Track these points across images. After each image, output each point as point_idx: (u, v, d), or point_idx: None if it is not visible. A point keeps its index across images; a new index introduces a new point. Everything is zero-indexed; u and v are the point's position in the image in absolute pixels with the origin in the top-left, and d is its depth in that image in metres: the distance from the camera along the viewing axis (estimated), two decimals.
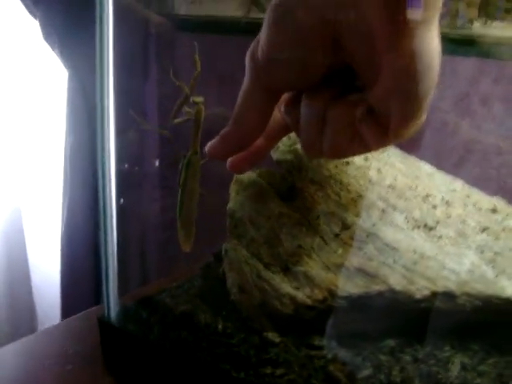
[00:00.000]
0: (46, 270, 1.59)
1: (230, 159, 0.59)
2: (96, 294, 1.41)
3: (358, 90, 0.48)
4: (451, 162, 0.98)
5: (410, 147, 0.95)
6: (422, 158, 0.79)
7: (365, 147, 0.51)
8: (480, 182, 0.93)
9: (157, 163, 1.30)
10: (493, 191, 0.78)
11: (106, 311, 0.67)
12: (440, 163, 0.79)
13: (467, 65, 0.96)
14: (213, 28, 1.32)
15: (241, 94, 0.51)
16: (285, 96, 0.53)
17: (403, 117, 0.46)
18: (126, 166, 1.09)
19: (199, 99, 0.67)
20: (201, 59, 0.68)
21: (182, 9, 1.39)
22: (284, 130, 0.58)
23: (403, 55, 0.42)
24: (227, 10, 1.30)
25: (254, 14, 1.23)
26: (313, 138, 0.50)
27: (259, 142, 0.57)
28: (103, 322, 0.67)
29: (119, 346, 0.67)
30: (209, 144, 0.56)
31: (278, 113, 0.55)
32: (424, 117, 0.47)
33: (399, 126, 0.46)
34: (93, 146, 1.43)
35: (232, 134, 0.54)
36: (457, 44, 0.94)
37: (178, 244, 0.73)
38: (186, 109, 0.68)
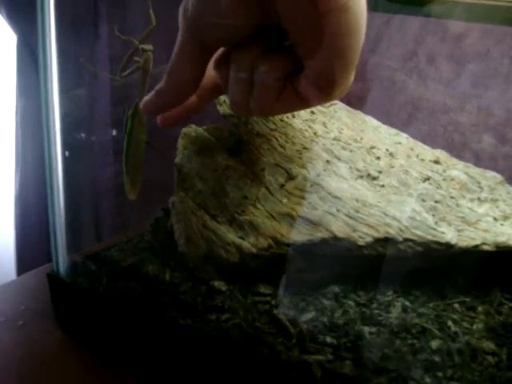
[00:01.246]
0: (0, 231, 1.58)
1: (160, 115, 0.59)
2: (50, 253, 1.41)
3: (287, 49, 0.49)
4: (400, 119, 1.00)
5: (359, 104, 0.96)
6: (370, 114, 0.80)
7: (292, 105, 0.52)
8: (428, 138, 0.95)
9: (108, 127, 1.30)
10: (440, 147, 0.79)
11: (55, 267, 0.67)
12: (389, 120, 0.81)
13: (415, 24, 0.97)
14: None
15: (175, 50, 0.51)
16: (217, 54, 0.53)
17: (330, 74, 0.46)
18: (76, 128, 1.08)
19: (148, 47, 0.67)
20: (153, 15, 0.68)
21: None
22: (217, 89, 0.58)
23: (331, 10, 0.42)
24: None
25: None
26: (240, 94, 0.51)
27: (192, 99, 0.57)
28: (52, 277, 0.67)
29: (69, 300, 0.67)
30: (143, 99, 0.56)
31: (212, 72, 0.55)
32: (351, 78, 0.48)
33: (326, 85, 0.47)
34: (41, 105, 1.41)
35: (165, 89, 0.54)
36: (404, 3, 0.95)
37: (128, 202, 0.73)
38: (135, 59, 0.68)
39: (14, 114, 1.40)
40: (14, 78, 1.42)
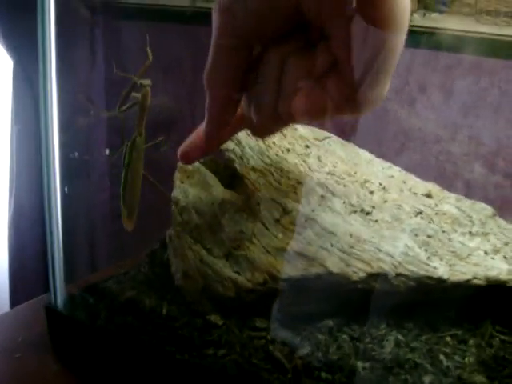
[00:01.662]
0: None
1: (182, 149, 0.55)
2: (45, 283, 1.41)
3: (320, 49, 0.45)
4: (392, 149, 1.02)
5: (352, 133, 0.98)
6: (363, 144, 0.81)
7: (319, 112, 0.47)
8: (420, 168, 0.97)
9: (105, 151, 1.31)
10: (432, 178, 0.81)
11: (53, 299, 0.68)
12: (381, 150, 0.82)
13: (407, 55, 0.99)
14: (159, 16, 1.32)
15: (209, 63, 0.47)
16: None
17: (368, 79, 0.43)
18: (74, 154, 1.09)
19: (147, 82, 0.68)
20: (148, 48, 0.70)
21: None
22: (240, 122, 0.55)
23: (377, 8, 0.40)
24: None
25: (200, 4, 1.24)
26: (269, 96, 0.47)
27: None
28: (50, 310, 0.68)
29: (66, 332, 0.68)
30: (181, 147, 0.54)
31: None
32: (385, 91, 0.45)
33: (363, 95, 0.44)
34: (39, 133, 1.42)
35: (212, 119, 0.50)
36: None
37: (124, 232, 0.74)
38: (133, 94, 0.70)
39: (9, 140, 1.41)
40: (10, 103, 1.44)
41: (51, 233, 0.65)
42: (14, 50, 1.37)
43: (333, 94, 0.45)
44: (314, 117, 0.49)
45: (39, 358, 0.69)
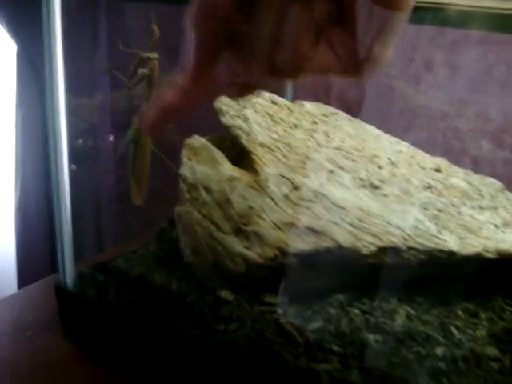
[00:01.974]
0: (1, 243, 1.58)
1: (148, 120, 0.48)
2: (52, 265, 1.42)
3: None
4: (399, 126, 1.01)
5: (359, 111, 0.97)
6: (370, 121, 0.81)
7: (323, 66, 0.42)
8: (427, 145, 0.97)
9: (110, 136, 1.31)
10: (439, 154, 0.80)
11: (62, 278, 0.68)
12: (388, 127, 0.82)
13: (413, 31, 0.98)
14: None
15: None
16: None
17: (376, 37, 0.40)
18: (80, 138, 1.09)
19: (154, 56, 0.68)
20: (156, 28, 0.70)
21: None
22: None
23: None
24: None
25: None
26: (266, 46, 0.41)
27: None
28: (60, 289, 0.68)
29: (77, 311, 0.68)
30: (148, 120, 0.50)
31: None
32: (388, 56, 0.41)
33: (368, 49, 0.41)
34: (44, 118, 1.42)
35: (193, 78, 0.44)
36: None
37: (131, 212, 0.74)
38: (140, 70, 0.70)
39: (14, 125, 1.41)
40: (14, 88, 1.43)
41: (59, 212, 0.65)
42: (18, 34, 1.37)
43: (337, 48, 0.41)
44: (316, 70, 0.43)
45: (50, 337, 0.69)
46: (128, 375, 0.62)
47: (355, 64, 0.42)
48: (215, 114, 0.72)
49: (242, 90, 0.46)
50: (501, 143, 0.95)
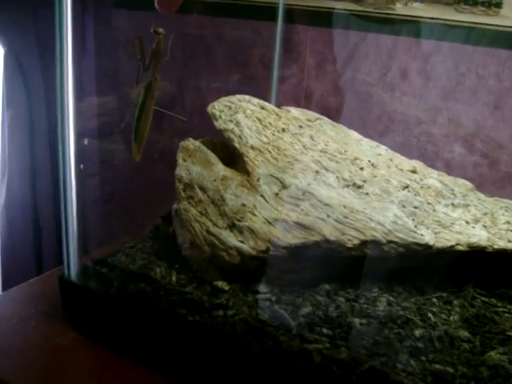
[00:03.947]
0: None
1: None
2: (37, 266, 1.46)
3: None
4: (377, 131, 1.07)
5: (338, 117, 1.03)
6: (350, 127, 0.87)
7: None
8: (403, 149, 1.03)
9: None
10: (415, 157, 0.86)
11: (66, 271, 0.72)
12: (367, 132, 0.88)
13: (390, 42, 1.04)
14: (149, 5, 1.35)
15: None
16: None
17: None
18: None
19: (160, 30, 0.74)
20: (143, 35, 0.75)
21: None
22: None
23: None
24: None
25: None
26: None
27: None
28: (64, 281, 0.73)
29: (81, 302, 0.73)
30: None
31: None
32: None
33: None
34: (31, 119, 1.45)
35: None
36: (381, 23, 1.02)
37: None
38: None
39: (0, 126, 1.43)
40: (1, 90, 1.46)
41: (65, 207, 0.69)
42: (6, 37, 1.40)
43: None
44: None
45: (54, 326, 0.73)
46: (132, 358, 0.67)
47: None
48: (207, 119, 0.78)
49: None
50: (471, 148, 1.02)
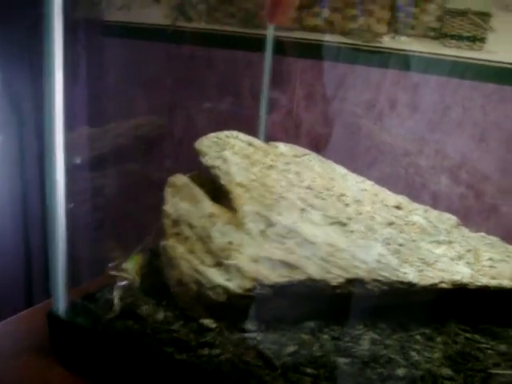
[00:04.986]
0: None
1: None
2: (26, 296, 1.46)
3: None
4: (366, 163, 1.08)
5: (327, 148, 1.04)
6: (339, 157, 0.88)
7: None
8: (391, 179, 1.04)
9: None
10: (402, 188, 0.87)
11: (55, 306, 0.73)
12: (356, 163, 0.89)
13: (378, 74, 1.06)
14: (140, 34, 1.37)
15: None
16: None
17: None
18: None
19: None
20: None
21: (111, 15, 1.44)
22: None
23: None
24: (155, 18, 1.35)
25: (181, 23, 1.29)
26: None
27: None
28: (52, 317, 0.73)
29: (69, 338, 0.73)
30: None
31: None
32: None
33: None
34: (21, 146, 1.46)
35: None
36: (369, 56, 1.04)
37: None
38: None
39: None
40: None
41: (54, 243, 0.70)
42: None
43: None
44: None
45: (42, 362, 0.74)
46: None
47: None
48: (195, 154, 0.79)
49: None
50: (457, 179, 1.03)
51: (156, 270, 0.76)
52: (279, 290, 0.66)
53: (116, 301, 0.72)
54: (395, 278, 0.67)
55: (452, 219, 0.80)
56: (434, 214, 0.80)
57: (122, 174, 1.20)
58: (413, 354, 0.64)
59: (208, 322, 0.67)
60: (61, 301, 0.73)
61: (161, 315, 0.69)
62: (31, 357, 0.75)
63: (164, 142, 1.19)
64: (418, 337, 0.68)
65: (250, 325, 0.67)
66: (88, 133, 1.18)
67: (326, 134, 1.12)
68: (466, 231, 0.78)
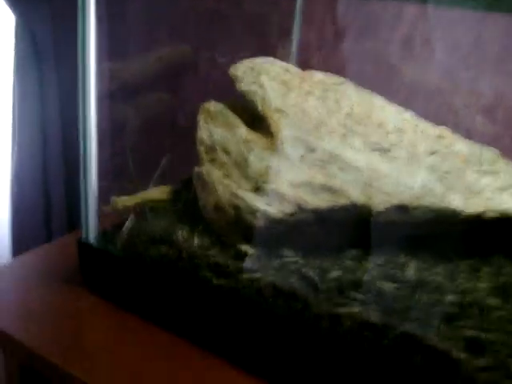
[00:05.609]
0: None
1: None
2: (47, 233, 1.45)
3: None
4: (397, 101, 1.05)
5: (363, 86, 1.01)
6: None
7: None
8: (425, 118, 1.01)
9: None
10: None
11: (85, 234, 0.71)
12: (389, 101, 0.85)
13: (410, 9, 1.02)
14: None
15: None
16: None
17: None
18: None
19: None
20: None
21: None
22: None
23: None
24: None
25: None
26: None
27: None
28: (83, 244, 0.71)
29: (100, 266, 0.71)
30: None
31: None
32: None
33: None
34: (41, 92, 1.44)
35: None
36: None
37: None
38: None
39: (11, 96, 1.42)
40: (11, 56, 1.43)
41: (85, 171, 0.68)
42: (17, 4, 1.37)
43: None
44: None
45: (74, 291, 0.73)
46: (154, 321, 0.66)
47: None
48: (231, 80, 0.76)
49: None
50: (493, 118, 1.00)
51: (187, 199, 0.74)
52: (320, 215, 0.63)
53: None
54: (442, 205, 0.64)
55: (494, 151, 0.77)
56: (476, 145, 0.77)
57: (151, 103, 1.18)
58: (459, 282, 0.62)
59: (245, 247, 0.65)
60: (91, 227, 0.70)
61: (196, 241, 0.67)
62: (61, 286, 0.74)
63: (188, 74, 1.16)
64: (464, 267, 0.65)
65: (288, 251, 0.64)
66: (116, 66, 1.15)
67: (357, 71, 1.08)
68: (509, 164, 0.75)
